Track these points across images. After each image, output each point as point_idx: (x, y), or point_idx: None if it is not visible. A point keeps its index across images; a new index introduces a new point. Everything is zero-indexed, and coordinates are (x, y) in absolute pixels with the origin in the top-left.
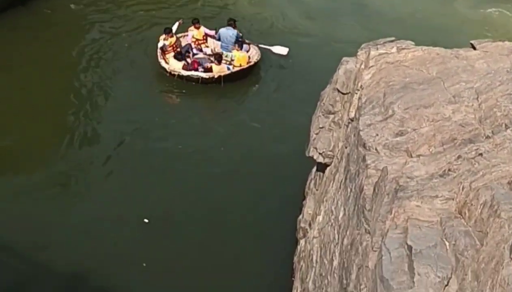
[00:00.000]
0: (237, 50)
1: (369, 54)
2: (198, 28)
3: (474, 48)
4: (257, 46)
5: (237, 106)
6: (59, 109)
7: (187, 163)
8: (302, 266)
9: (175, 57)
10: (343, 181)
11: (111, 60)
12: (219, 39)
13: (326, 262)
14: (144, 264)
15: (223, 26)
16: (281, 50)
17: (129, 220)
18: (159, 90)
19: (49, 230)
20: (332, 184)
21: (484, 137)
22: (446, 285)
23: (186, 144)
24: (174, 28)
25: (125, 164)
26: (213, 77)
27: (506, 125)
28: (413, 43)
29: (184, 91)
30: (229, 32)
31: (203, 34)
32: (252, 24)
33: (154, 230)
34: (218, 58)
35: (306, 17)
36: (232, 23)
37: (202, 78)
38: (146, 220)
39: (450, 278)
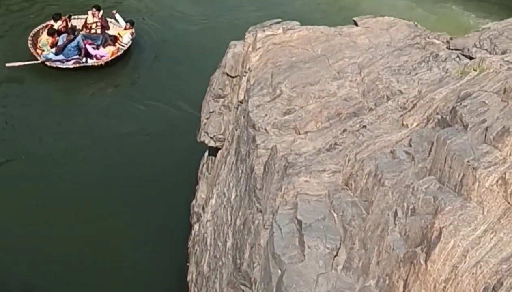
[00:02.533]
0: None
1: (256, 36)
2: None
3: (357, 25)
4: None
5: (122, 93)
6: None
7: (77, 155)
8: (196, 250)
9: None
10: (234, 163)
11: None
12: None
13: (220, 244)
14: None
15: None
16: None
17: None
18: (31, 82)
19: None
20: (224, 166)
21: (368, 110)
22: (335, 256)
23: (70, 138)
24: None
25: None
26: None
27: (387, 96)
28: (298, 23)
29: (60, 81)
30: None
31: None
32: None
33: (37, 231)
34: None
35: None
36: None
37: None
38: None
39: (339, 248)
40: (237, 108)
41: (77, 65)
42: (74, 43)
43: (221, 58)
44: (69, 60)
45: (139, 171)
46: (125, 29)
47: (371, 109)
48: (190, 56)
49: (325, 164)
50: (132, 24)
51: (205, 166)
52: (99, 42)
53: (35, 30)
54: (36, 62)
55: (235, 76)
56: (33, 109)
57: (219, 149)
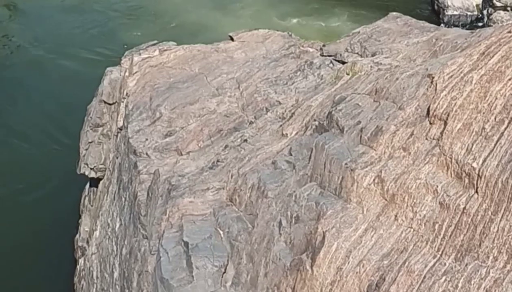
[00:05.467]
0: None
1: (132, 60)
2: None
3: (232, 40)
4: None
5: None
6: None
7: None
8: (83, 285)
9: None
10: (117, 192)
11: None
12: None
13: (106, 275)
14: None
15: None
16: None
17: None
18: None
19: None
20: (106, 197)
21: (248, 123)
22: (224, 273)
23: None
24: None
25: None
26: None
27: (266, 108)
28: (174, 43)
29: None
30: None
31: None
32: None
33: None
34: None
35: (49, 28)
36: None
37: None
38: None
39: (227, 265)
40: (116, 136)
41: None
42: None
43: (97, 86)
44: None
45: (18, 211)
46: None
47: (251, 123)
48: (54, 83)
49: (209, 183)
50: None
51: (87, 198)
52: None
53: None
54: None
55: (113, 103)
56: None
57: (101, 179)
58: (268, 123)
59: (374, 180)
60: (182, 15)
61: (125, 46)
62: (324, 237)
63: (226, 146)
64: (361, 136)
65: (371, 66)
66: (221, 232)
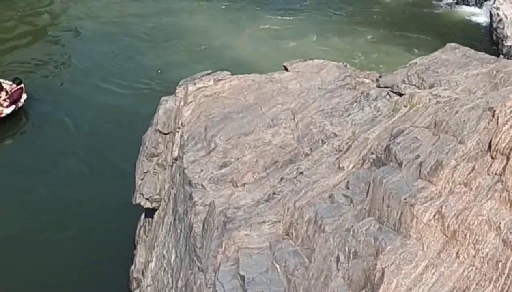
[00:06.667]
0: None
1: (187, 90)
2: None
3: (287, 70)
4: None
5: (47, 153)
6: None
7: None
8: None
9: None
10: (172, 223)
11: None
12: None
13: None
14: None
15: None
16: None
17: None
18: None
19: None
20: (162, 228)
21: (304, 155)
22: None
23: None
24: None
25: None
26: None
27: (322, 140)
28: (229, 73)
29: None
30: None
31: None
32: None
33: None
34: None
35: (107, 57)
36: None
37: None
38: None
39: None
40: (172, 166)
41: None
42: None
43: (152, 115)
44: None
45: (74, 241)
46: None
47: (307, 155)
48: (105, 114)
49: (265, 215)
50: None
51: (142, 229)
52: None
53: None
54: None
55: (168, 133)
56: None
57: (156, 210)
58: (324, 155)
59: (434, 216)
60: (206, 38)
61: (159, 71)
62: (383, 273)
63: (281, 179)
64: (420, 171)
65: (429, 99)
66: (278, 266)
